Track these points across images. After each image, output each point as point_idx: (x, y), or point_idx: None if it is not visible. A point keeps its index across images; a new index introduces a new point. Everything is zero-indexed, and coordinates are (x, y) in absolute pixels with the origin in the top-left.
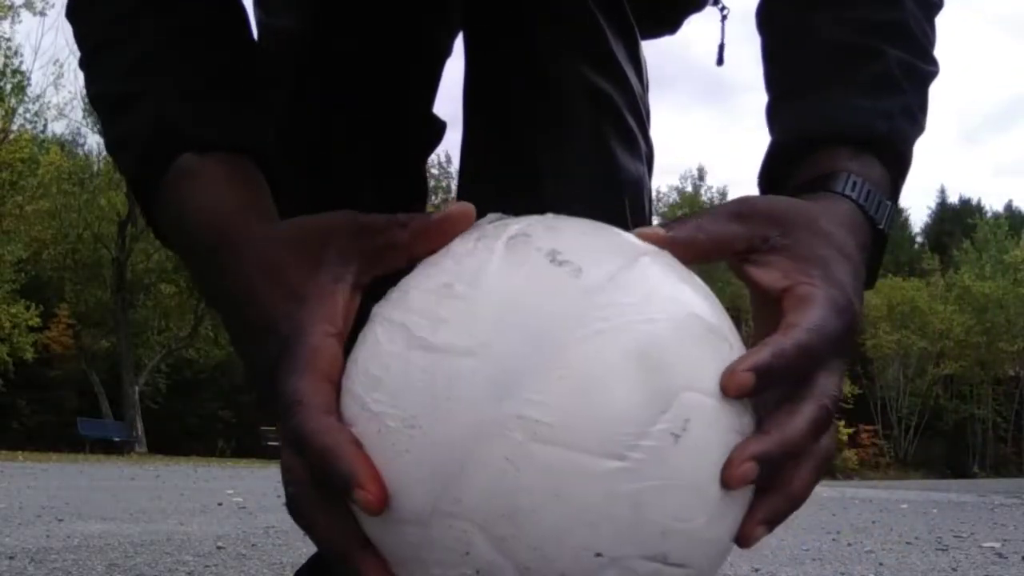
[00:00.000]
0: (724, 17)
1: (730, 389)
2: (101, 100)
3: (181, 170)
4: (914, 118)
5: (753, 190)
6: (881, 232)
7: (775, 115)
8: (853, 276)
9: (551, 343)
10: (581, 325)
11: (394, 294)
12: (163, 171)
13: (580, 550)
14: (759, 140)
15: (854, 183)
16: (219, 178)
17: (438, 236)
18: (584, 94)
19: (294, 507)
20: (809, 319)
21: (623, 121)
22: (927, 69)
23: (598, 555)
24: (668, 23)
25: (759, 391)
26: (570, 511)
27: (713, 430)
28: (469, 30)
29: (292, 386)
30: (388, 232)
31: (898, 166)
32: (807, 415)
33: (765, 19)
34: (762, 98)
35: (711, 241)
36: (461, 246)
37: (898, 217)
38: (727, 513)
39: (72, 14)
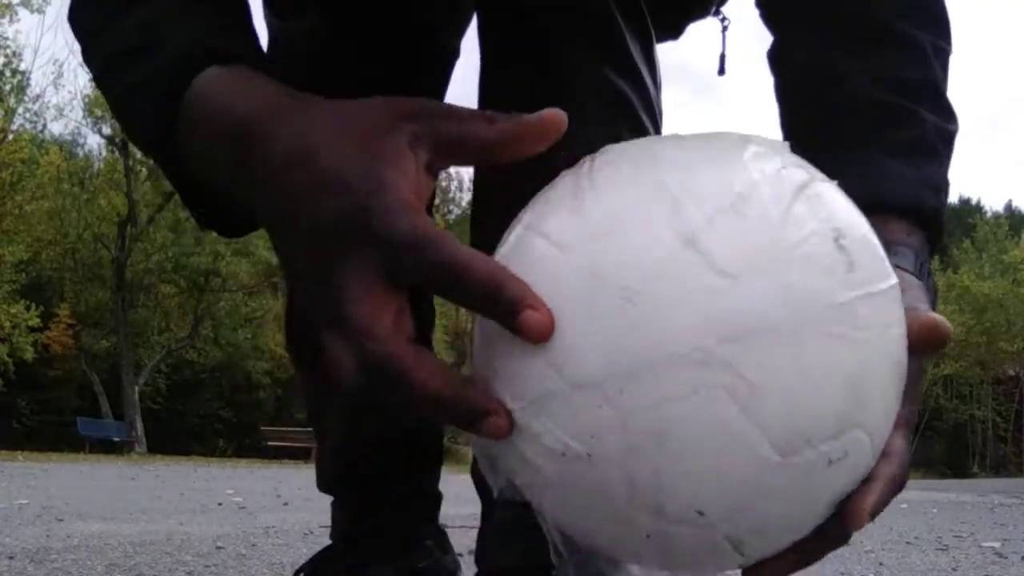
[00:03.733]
0: (725, 28)
1: (854, 525)
2: (118, 55)
3: (211, 78)
4: (947, 183)
5: None
6: (932, 289)
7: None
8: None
9: (795, 322)
10: (831, 321)
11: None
12: (185, 87)
13: (690, 505)
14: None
15: (914, 259)
16: (260, 74)
17: (527, 141)
18: (600, 93)
19: (381, 364)
20: (898, 455)
21: (638, 120)
22: (952, 129)
23: (700, 513)
24: (672, 29)
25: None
26: (710, 465)
27: (859, 465)
28: (484, 26)
29: (409, 225)
30: (472, 122)
31: (940, 233)
32: (891, 472)
33: (780, 58)
34: (757, 96)
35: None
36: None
37: None
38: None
39: None
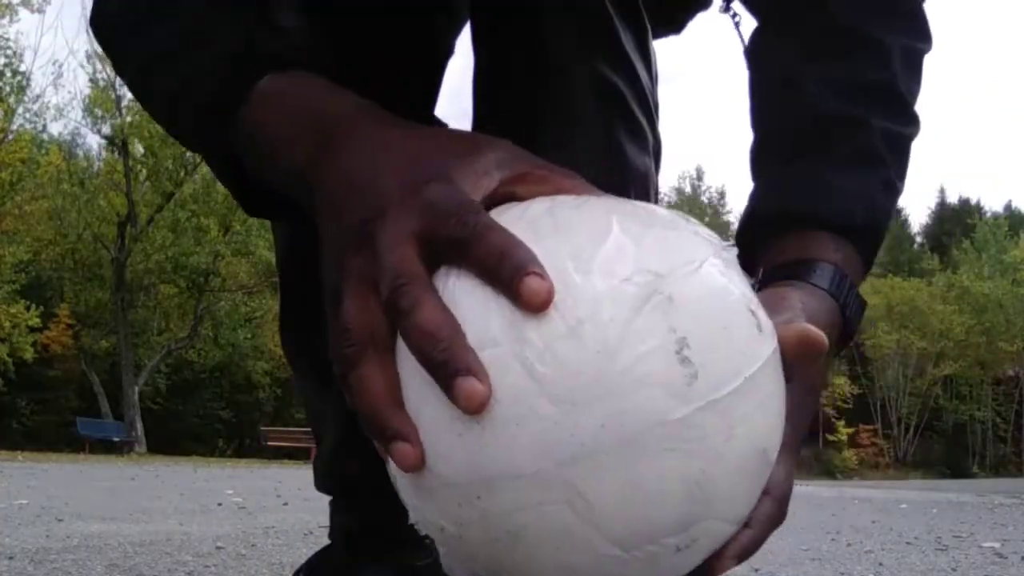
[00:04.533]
0: (737, 24)
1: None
2: (158, 58)
3: (271, 86)
4: (893, 189)
5: (747, 190)
6: (850, 326)
7: (759, 169)
8: (824, 369)
9: (626, 447)
10: (664, 439)
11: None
12: (247, 89)
13: None
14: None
15: (832, 276)
16: (327, 81)
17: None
18: (593, 85)
19: (348, 363)
20: (777, 488)
21: (631, 114)
22: (908, 132)
23: None
24: (674, 23)
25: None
26: (560, 561)
27: (715, 543)
28: (477, 20)
29: (461, 199)
30: (541, 165)
31: (874, 245)
32: (769, 512)
33: (752, 58)
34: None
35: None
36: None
37: (897, 217)
38: None
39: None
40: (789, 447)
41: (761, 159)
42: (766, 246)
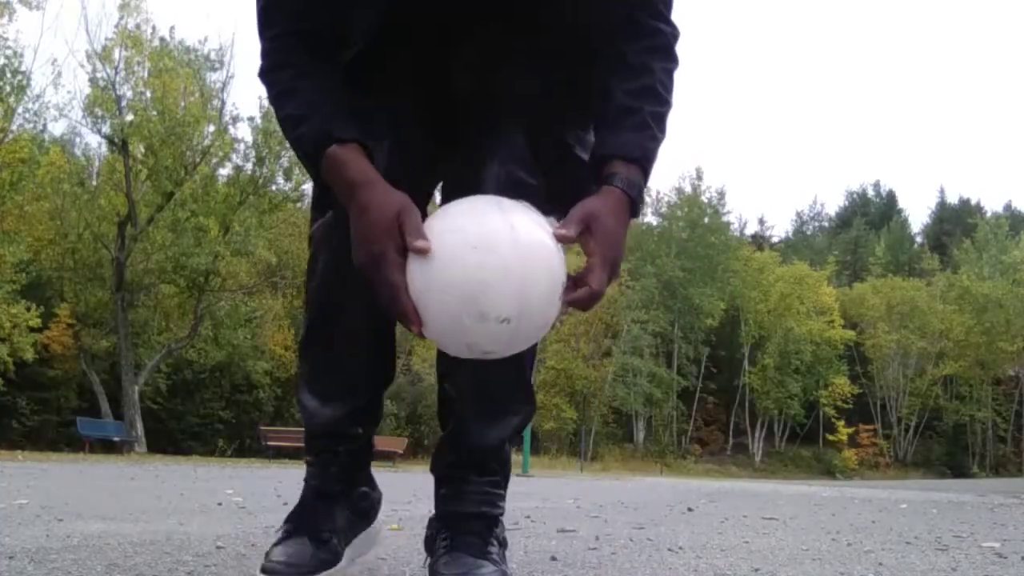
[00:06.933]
0: None
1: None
2: (286, 119)
3: (334, 151)
4: (656, 140)
5: (748, 191)
6: (636, 204)
7: (596, 133)
8: (622, 234)
9: (477, 291)
10: (499, 279)
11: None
12: (323, 151)
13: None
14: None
15: (622, 179)
16: (361, 154)
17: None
18: (508, 182)
19: (378, 269)
20: (599, 280)
21: (536, 199)
22: (664, 110)
23: (484, 316)
24: (559, 142)
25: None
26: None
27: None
28: (441, 143)
29: (409, 230)
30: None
31: (646, 170)
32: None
33: (594, 76)
34: (749, 100)
35: (575, 235)
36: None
37: (897, 217)
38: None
39: (264, 75)
40: (602, 259)
41: (597, 128)
42: (599, 168)
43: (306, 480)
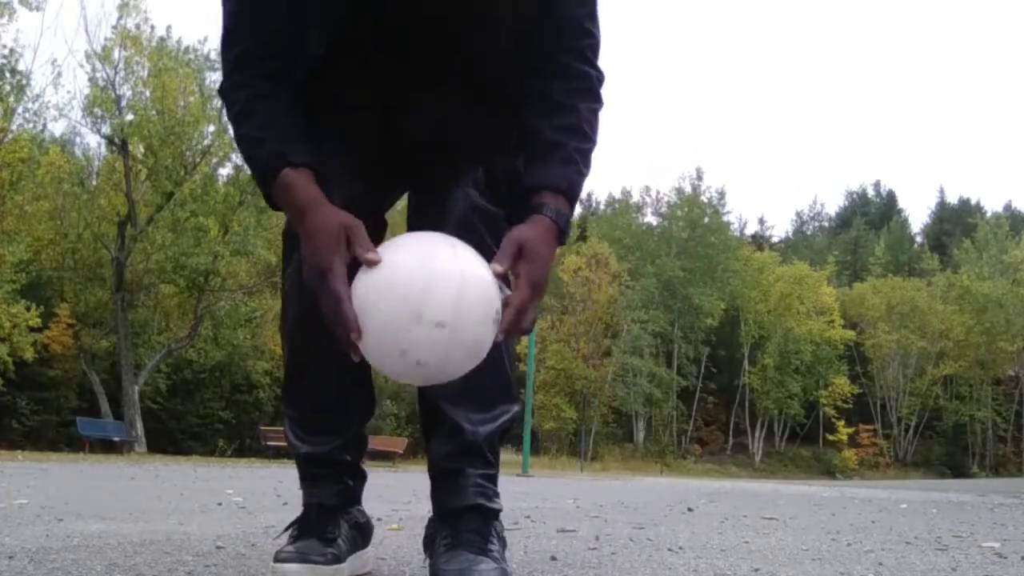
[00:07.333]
0: None
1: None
2: (243, 138)
3: (286, 174)
4: (581, 174)
5: (748, 191)
6: (564, 231)
7: (525, 166)
8: (549, 259)
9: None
10: (433, 308)
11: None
12: (276, 174)
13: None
14: (755, 140)
15: (551, 209)
16: (311, 179)
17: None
18: (473, 209)
19: (323, 280)
20: (522, 297)
21: (498, 224)
22: (589, 147)
23: (418, 318)
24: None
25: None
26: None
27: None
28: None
29: (357, 246)
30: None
31: (572, 200)
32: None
33: (521, 116)
34: (749, 105)
35: (510, 266)
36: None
37: (897, 217)
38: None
39: (224, 93)
40: (528, 279)
41: (526, 162)
42: (528, 198)
43: (304, 499)
